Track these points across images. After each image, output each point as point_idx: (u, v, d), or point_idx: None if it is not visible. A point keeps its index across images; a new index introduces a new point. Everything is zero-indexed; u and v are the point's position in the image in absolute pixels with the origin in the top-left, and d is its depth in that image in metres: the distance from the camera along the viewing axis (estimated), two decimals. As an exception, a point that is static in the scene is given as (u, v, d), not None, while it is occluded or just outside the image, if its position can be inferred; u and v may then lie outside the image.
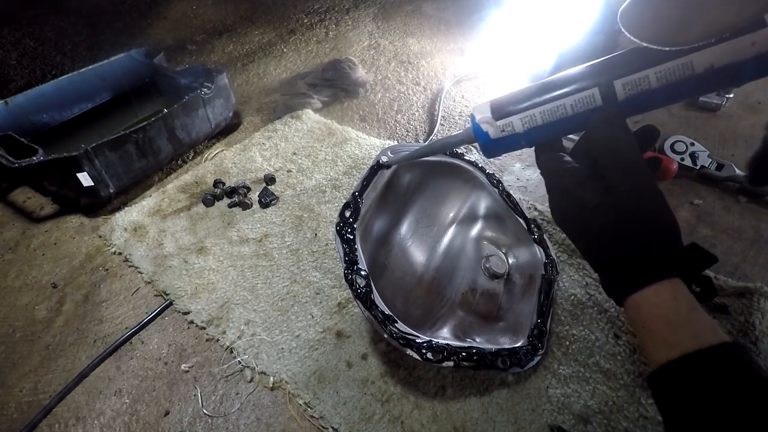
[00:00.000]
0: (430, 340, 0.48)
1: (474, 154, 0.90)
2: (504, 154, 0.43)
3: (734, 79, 0.33)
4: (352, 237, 0.51)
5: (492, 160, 0.87)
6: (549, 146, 0.41)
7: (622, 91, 0.35)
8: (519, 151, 0.93)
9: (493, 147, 0.41)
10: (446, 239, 0.65)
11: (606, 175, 0.35)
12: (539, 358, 0.53)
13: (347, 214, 0.52)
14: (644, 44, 0.32)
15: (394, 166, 0.58)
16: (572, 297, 0.60)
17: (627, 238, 0.34)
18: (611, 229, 0.35)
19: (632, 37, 0.30)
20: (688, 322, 0.31)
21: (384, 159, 0.57)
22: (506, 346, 0.52)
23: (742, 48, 0.31)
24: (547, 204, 0.78)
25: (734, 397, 0.28)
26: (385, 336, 0.47)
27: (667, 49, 0.32)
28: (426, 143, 0.51)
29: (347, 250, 0.50)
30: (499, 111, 0.39)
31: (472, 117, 0.41)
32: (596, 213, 0.35)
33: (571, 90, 0.37)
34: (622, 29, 0.31)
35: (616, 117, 0.36)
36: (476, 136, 0.41)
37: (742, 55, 0.31)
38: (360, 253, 0.50)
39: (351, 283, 0.48)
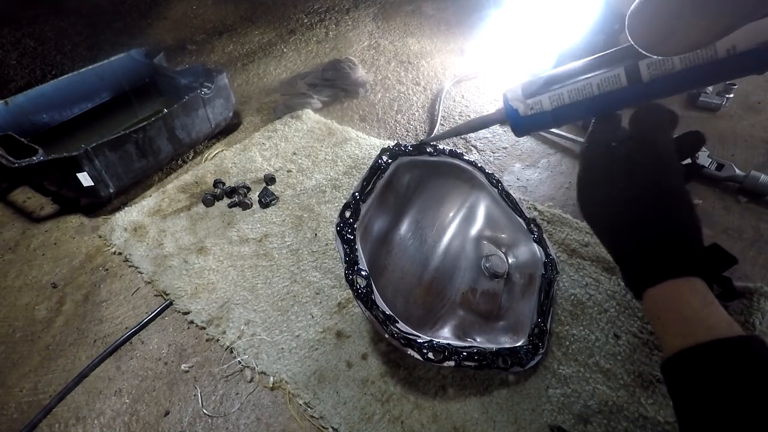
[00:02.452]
0: (431, 340, 0.48)
1: (474, 154, 0.90)
2: (529, 135, 0.45)
3: (759, 63, 0.33)
4: (352, 237, 0.51)
5: (492, 159, 0.88)
6: (606, 119, 0.43)
7: (647, 72, 0.36)
8: (519, 151, 0.92)
9: (523, 124, 0.43)
10: (446, 239, 0.65)
11: (638, 172, 0.37)
12: (540, 357, 0.53)
13: (347, 214, 0.52)
14: (640, 50, 0.33)
15: (394, 165, 0.58)
16: (572, 297, 0.60)
17: (649, 235, 0.36)
18: (635, 226, 0.37)
19: (631, 41, 0.32)
20: (703, 316, 0.32)
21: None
22: (507, 346, 0.52)
23: (762, 30, 0.32)
24: (547, 204, 0.79)
25: (747, 387, 0.28)
26: (386, 336, 0.47)
27: (655, 57, 0.35)
28: (461, 122, 0.55)
29: (347, 250, 0.50)
30: (529, 90, 0.42)
31: (504, 96, 0.43)
32: (622, 208, 0.37)
33: (597, 70, 0.38)
34: (626, 31, 0.33)
35: (660, 111, 0.38)
36: (507, 113, 0.43)
37: (762, 36, 0.32)
38: (360, 253, 0.50)
39: (352, 284, 0.48)
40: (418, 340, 0.47)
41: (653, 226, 0.36)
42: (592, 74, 0.38)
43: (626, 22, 0.31)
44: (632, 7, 0.30)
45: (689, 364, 0.31)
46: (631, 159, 0.38)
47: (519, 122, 0.43)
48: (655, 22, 0.30)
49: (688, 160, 0.42)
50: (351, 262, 0.49)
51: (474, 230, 0.67)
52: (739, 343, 0.30)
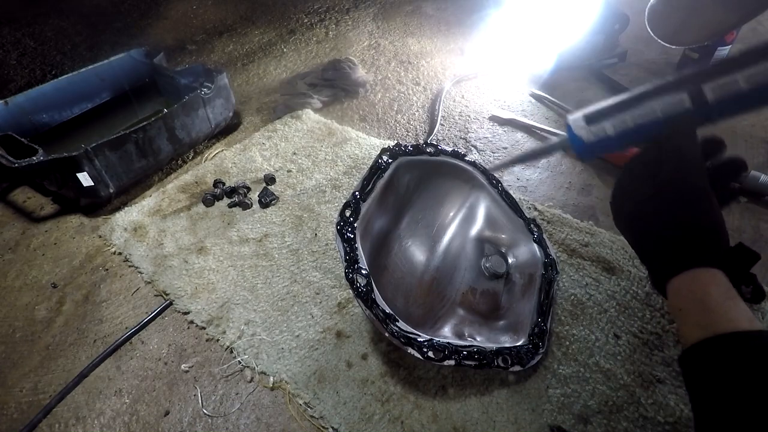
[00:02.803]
0: (432, 339, 0.48)
1: (474, 154, 0.90)
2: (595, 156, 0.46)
3: None
4: (352, 236, 0.51)
5: (492, 160, 0.88)
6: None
7: (712, 94, 0.37)
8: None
9: (587, 150, 0.44)
10: (446, 239, 0.65)
11: (663, 171, 0.39)
12: (540, 356, 0.53)
13: (347, 213, 0.52)
14: (657, 39, 0.34)
15: (394, 165, 0.58)
16: (572, 297, 0.60)
17: (672, 228, 0.37)
18: (658, 221, 0.38)
19: (651, 33, 0.33)
20: (724, 308, 0.33)
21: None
22: (507, 345, 0.52)
23: None
24: (547, 204, 0.79)
25: (765, 379, 0.28)
26: (387, 335, 0.47)
27: (673, 46, 0.35)
28: (524, 151, 0.57)
29: (348, 249, 0.50)
30: (592, 117, 0.43)
31: (567, 125, 0.45)
32: (646, 205, 0.39)
33: (657, 96, 0.40)
34: (647, 24, 0.34)
35: (690, 128, 0.40)
36: (570, 141, 0.45)
37: None
38: (360, 252, 0.50)
39: (352, 282, 0.48)
40: (418, 339, 0.47)
41: (676, 220, 0.37)
42: (654, 100, 0.40)
43: (646, 16, 0.32)
44: (650, 3, 0.32)
45: (708, 354, 0.32)
46: (657, 160, 0.40)
47: (583, 148, 0.44)
48: (669, 17, 0.31)
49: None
50: (351, 261, 0.49)
51: (474, 230, 0.67)
52: (759, 337, 0.30)
